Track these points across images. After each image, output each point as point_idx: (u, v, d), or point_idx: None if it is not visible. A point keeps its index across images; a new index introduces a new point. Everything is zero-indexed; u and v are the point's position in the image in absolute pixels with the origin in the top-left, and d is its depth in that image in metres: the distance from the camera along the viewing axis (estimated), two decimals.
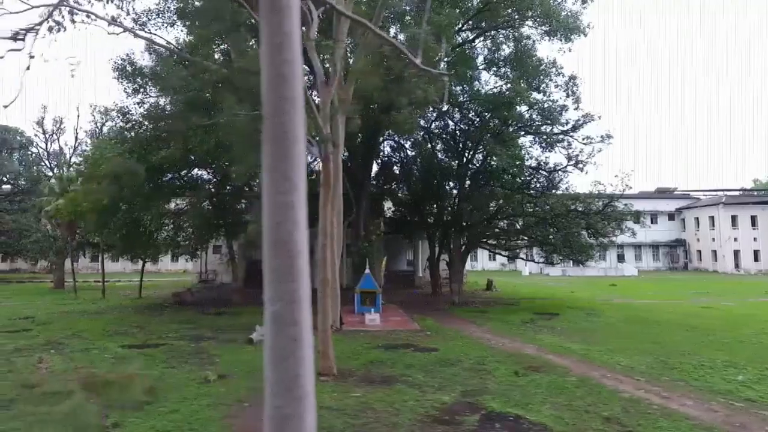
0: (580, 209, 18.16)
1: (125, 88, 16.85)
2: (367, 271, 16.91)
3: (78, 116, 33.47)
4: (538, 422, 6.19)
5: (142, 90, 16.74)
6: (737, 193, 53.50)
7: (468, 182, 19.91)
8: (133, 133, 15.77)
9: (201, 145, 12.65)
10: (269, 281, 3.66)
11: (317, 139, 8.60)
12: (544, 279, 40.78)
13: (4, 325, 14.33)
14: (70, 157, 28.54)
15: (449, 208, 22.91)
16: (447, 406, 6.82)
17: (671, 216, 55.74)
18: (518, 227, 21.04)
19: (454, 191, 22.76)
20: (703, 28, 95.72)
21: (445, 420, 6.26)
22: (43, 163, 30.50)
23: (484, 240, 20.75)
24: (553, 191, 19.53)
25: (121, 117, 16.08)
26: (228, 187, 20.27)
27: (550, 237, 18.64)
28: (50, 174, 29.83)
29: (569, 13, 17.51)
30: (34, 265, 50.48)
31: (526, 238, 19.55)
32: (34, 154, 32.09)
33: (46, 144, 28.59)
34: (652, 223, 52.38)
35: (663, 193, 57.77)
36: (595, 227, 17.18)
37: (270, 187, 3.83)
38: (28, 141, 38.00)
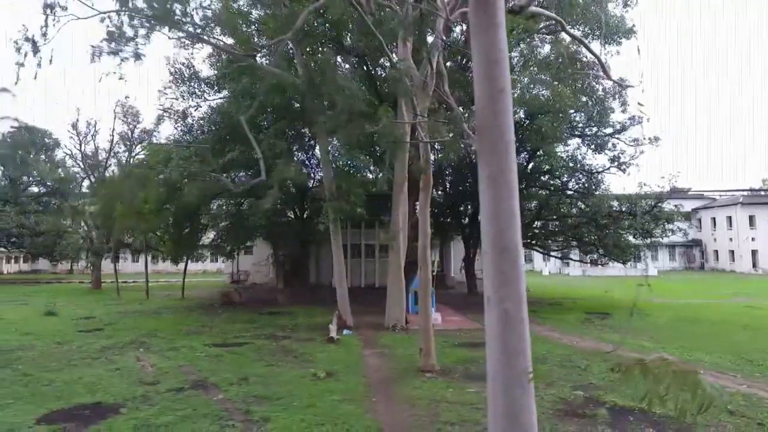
0: (624, 209, 18.44)
1: (181, 92, 17.19)
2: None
3: (115, 118, 33.74)
4: (668, 416, 6.48)
5: (198, 94, 17.07)
6: (746, 192, 53.70)
7: None
8: (191, 137, 16.09)
9: (271, 148, 12.94)
10: (498, 283, 4.01)
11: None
12: (566, 279, 40.97)
13: (74, 326, 14.64)
14: (106, 159, 28.94)
15: None
16: (568, 401, 7.12)
17: (687, 216, 55.90)
18: (558, 228, 21.31)
19: None
20: (702, 28, 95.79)
21: (578, 413, 6.57)
22: (74, 165, 30.90)
23: (527, 240, 21.07)
24: (595, 192, 19.81)
25: (181, 121, 16.41)
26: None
27: (594, 237, 18.91)
28: (84, 176, 30.22)
29: (615, 17, 17.75)
30: (56, 266, 50.99)
31: (572, 238, 19.80)
32: (65, 156, 32.51)
33: (81, 146, 28.97)
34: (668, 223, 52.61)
35: (678, 193, 57.95)
36: (644, 227, 17.46)
37: (494, 195, 4.18)
38: (55, 142, 38.40)
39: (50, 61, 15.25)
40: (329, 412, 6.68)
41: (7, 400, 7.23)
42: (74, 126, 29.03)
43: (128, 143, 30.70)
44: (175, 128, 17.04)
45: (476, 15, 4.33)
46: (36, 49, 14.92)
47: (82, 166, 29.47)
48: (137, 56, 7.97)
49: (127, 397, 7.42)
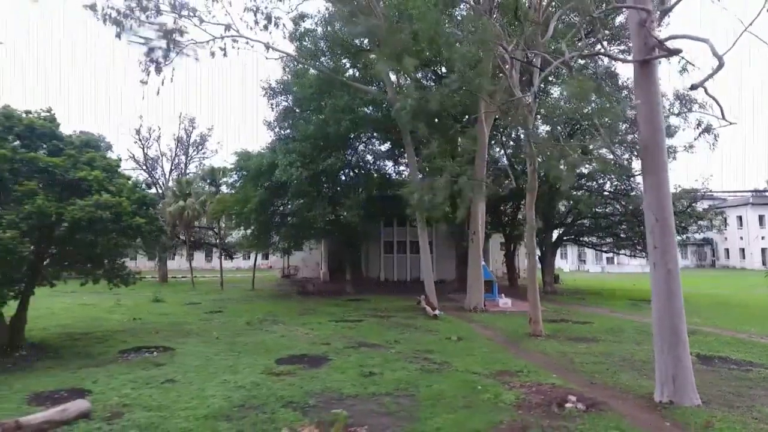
0: None
1: (270, 105, 19.50)
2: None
3: (179, 125, 36.80)
4: (742, 360, 8.75)
5: (285, 107, 19.36)
6: (749, 193, 55.85)
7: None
8: (289, 145, 18.40)
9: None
10: (663, 252, 6.30)
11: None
12: (587, 275, 43.19)
13: (193, 309, 16.89)
14: (171, 162, 31.43)
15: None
16: None
17: (721, 213, 57.85)
18: (593, 225, 23.57)
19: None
20: (701, 26, 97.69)
21: None
22: (137, 167, 33.28)
23: (572, 236, 23.37)
24: (631, 193, 22.09)
25: (274, 131, 18.77)
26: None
27: (632, 233, 21.18)
28: (145, 177, 32.66)
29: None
30: None
31: (608, 235, 22.10)
32: (127, 158, 34.86)
33: (143, 149, 31.39)
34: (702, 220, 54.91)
35: (690, 194, 60.04)
36: (680, 224, 19.70)
37: (657, 194, 6.50)
38: (107, 146, 40.66)
39: (171, 79, 17.60)
40: (487, 357, 8.93)
41: (235, 353, 9.46)
42: (137, 131, 31.36)
43: (185, 146, 33.05)
44: (270, 137, 19.32)
45: (641, 78, 6.70)
46: (159, 69, 17.29)
47: (144, 168, 31.88)
48: None
49: (321, 351, 9.59)
